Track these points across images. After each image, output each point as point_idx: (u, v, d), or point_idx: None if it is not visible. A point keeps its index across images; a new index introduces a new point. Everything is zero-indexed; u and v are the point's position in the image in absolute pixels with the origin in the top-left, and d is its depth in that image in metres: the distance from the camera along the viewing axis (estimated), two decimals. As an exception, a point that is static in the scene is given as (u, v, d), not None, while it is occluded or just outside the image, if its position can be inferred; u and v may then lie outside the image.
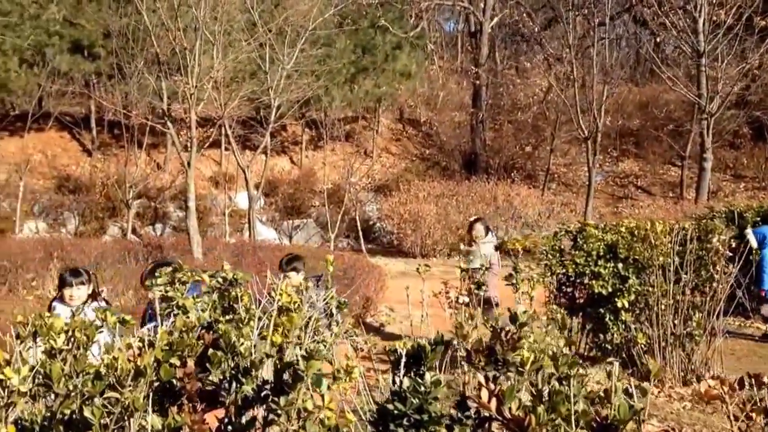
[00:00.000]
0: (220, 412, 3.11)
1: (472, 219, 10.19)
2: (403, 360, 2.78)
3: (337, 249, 19.98)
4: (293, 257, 6.51)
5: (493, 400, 2.16)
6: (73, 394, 2.87)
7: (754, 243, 9.14)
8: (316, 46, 20.01)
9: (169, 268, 4.15)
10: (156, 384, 2.90)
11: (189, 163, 13.03)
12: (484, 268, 7.78)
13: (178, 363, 2.97)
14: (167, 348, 2.98)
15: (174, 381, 3.03)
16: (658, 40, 26.13)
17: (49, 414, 2.92)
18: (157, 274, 6.13)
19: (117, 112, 23.35)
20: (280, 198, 24.92)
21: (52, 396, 2.93)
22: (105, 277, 10.89)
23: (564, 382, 2.39)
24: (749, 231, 9.52)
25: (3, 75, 21.39)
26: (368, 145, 28.42)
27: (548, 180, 25.96)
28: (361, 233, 20.96)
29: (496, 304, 9.65)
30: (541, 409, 2.23)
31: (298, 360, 2.88)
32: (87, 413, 2.70)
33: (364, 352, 7.06)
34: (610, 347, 6.90)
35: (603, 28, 24.23)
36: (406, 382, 2.65)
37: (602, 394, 2.25)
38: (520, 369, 2.22)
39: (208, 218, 22.17)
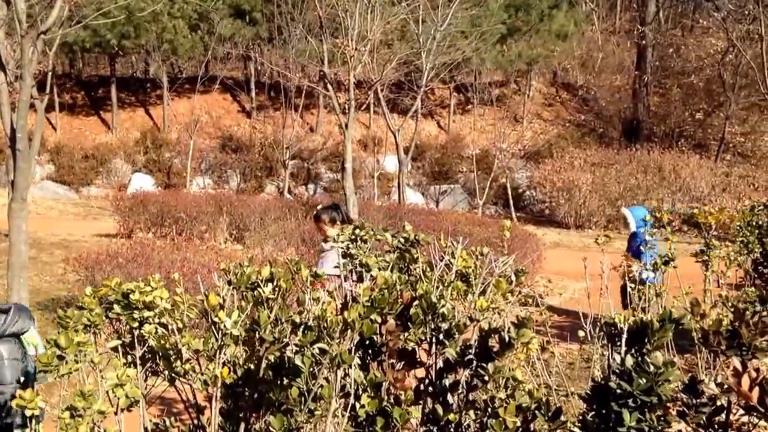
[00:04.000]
0: (419, 372, 3.09)
1: (319, 207, 6.94)
2: (625, 336, 2.61)
3: (484, 216, 19.74)
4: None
5: (756, 390, 1.94)
6: (280, 340, 2.94)
7: (632, 226, 7.36)
8: (468, 5, 19.55)
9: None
10: (357, 339, 2.91)
11: (346, 125, 13.21)
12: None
13: (379, 320, 2.96)
14: (369, 304, 2.97)
15: (374, 337, 3.04)
16: None
17: (255, 358, 3.01)
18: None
19: (274, 76, 24.18)
20: (427, 162, 24.91)
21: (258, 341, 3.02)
22: (270, 232, 11.36)
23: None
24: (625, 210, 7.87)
25: (173, 38, 22.69)
26: (519, 109, 27.71)
27: (722, 150, 23.82)
28: (511, 201, 20.59)
29: None
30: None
31: (508, 327, 2.80)
32: (297, 361, 2.75)
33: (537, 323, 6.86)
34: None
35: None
36: (630, 361, 2.48)
37: None
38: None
39: (357, 181, 22.53)
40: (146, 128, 24.66)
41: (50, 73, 6.52)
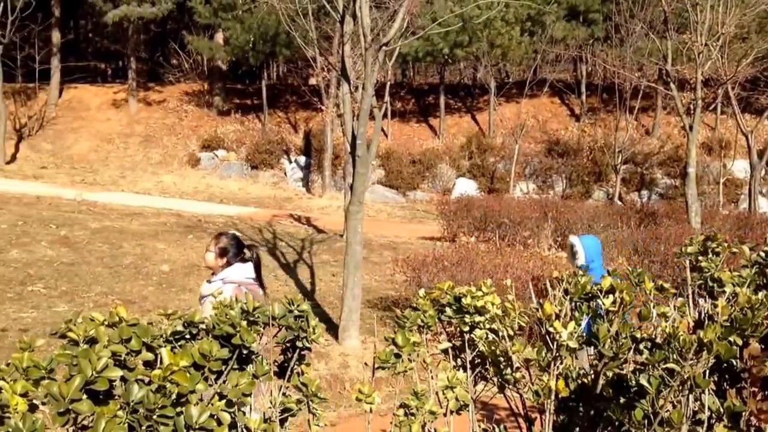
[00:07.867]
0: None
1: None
2: None
3: None
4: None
5: None
6: (618, 356, 2.74)
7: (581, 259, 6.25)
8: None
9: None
10: (713, 362, 2.59)
11: (690, 127, 12.19)
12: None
13: (740, 342, 2.60)
14: (728, 324, 2.63)
15: (733, 362, 2.69)
16: None
17: (593, 372, 2.85)
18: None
19: (607, 76, 23.35)
20: (784, 168, 22.07)
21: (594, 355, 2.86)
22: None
23: None
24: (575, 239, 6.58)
25: (505, 44, 23.05)
26: None
27: None
28: None
29: None
30: None
31: None
32: (643, 381, 2.53)
33: None
34: None
35: None
36: None
37: None
38: None
39: (700, 187, 20.71)
40: (471, 133, 25.37)
41: (388, 83, 6.99)
